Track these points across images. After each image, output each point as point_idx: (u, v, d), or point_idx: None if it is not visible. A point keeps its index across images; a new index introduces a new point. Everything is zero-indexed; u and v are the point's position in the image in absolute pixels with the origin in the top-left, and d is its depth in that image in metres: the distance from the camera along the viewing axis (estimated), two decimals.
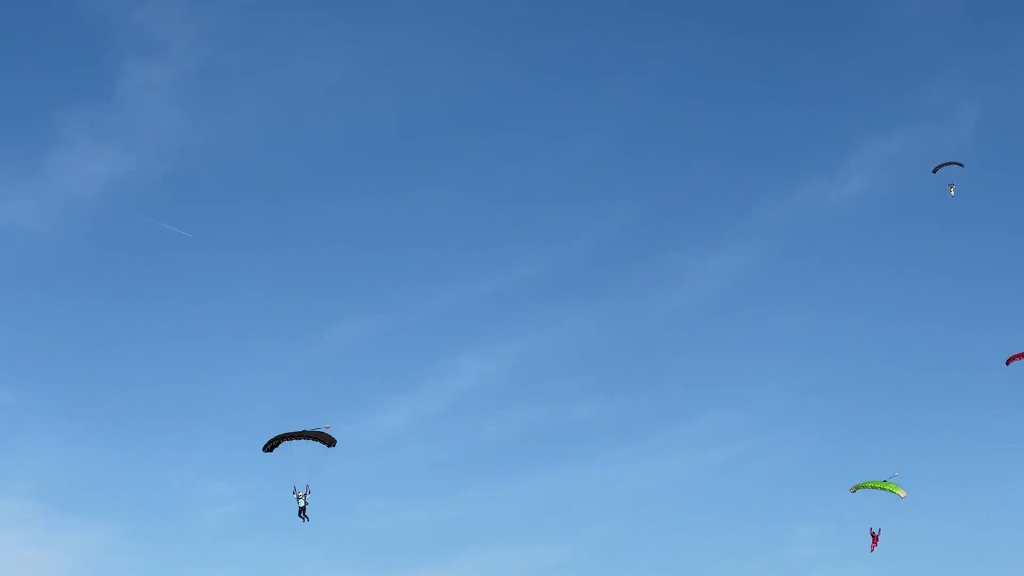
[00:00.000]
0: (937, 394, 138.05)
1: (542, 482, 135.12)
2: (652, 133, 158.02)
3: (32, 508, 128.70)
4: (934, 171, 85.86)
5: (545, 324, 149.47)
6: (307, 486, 56.53)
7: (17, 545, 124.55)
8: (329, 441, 53.86)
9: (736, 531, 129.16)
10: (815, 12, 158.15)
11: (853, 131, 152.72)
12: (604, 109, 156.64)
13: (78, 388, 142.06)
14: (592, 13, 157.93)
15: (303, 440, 53.64)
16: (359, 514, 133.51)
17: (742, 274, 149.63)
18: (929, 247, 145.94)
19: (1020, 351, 70.09)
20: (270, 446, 54.09)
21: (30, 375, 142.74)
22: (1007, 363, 71.03)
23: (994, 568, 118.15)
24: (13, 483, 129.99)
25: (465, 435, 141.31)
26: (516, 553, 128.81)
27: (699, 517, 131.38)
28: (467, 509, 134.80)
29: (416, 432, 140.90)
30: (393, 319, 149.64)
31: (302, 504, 56.49)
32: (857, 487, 72.40)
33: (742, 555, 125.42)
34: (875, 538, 72.23)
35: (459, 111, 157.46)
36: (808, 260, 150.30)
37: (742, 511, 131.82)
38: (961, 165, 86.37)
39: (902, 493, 70.59)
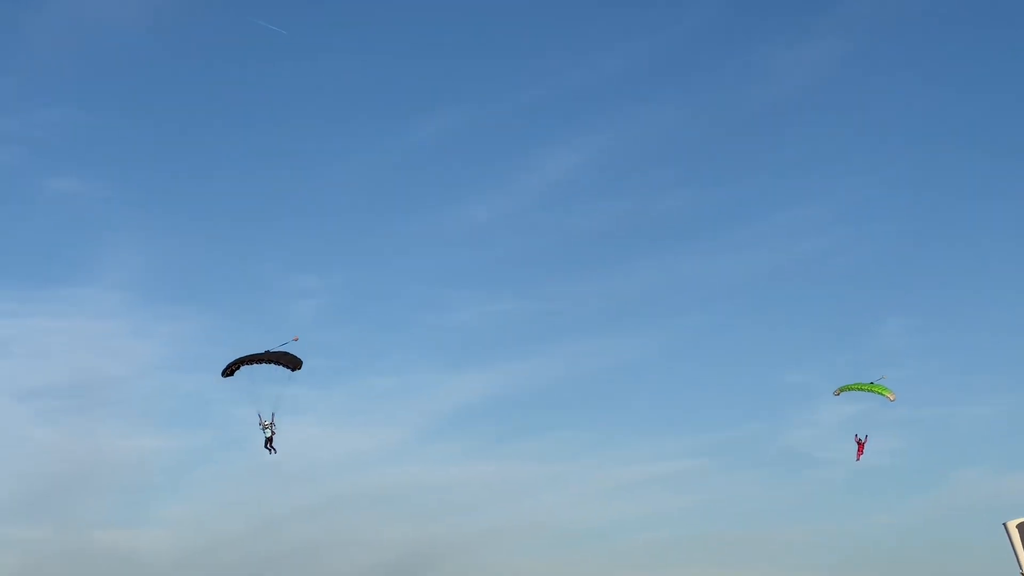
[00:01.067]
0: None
1: (629, 275, 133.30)
2: None
3: (128, 299, 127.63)
4: None
5: (633, 116, 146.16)
6: (272, 414, 51.15)
7: (113, 335, 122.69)
8: (294, 364, 48.79)
9: (825, 323, 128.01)
10: None
11: None
12: None
13: (172, 182, 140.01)
14: None
15: (265, 364, 48.48)
16: (447, 306, 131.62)
17: (831, 66, 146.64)
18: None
19: None
20: (229, 371, 49.03)
21: (126, 169, 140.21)
22: None
23: None
24: (110, 275, 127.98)
25: (553, 228, 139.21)
26: (604, 345, 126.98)
27: (788, 309, 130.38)
28: (555, 302, 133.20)
29: (504, 225, 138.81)
30: (481, 111, 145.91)
31: (268, 434, 51.20)
32: (841, 389, 69.24)
33: (830, 346, 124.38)
34: (861, 445, 68.96)
35: None
36: (900, 51, 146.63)
37: (831, 303, 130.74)
38: None
39: (891, 396, 67.48)
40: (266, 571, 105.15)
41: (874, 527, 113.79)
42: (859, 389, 68.44)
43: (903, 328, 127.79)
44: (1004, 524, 65.63)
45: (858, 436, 68.90)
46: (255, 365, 48.71)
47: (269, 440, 51.64)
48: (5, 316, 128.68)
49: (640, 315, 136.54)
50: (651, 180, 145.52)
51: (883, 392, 67.57)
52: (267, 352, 48.83)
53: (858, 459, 69.05)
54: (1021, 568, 64.72)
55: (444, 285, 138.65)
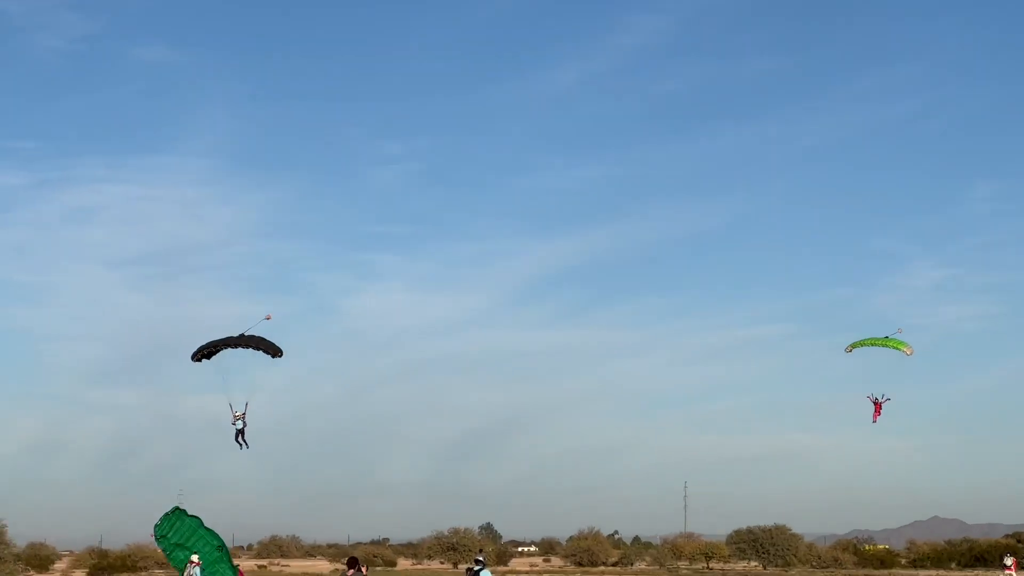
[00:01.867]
0: None
1: (716, 139, 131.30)
2: None
3: (215, 166, 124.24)
4: None
5: None
6: (246, 404, 43.18)
7: (201, 203, 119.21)
8: (274, 351, 41.32)
9: (912, 187, 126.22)
10: None
11: None
12: None
13: (259, 50, 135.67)
14: None
15: (242, 349, 40.96)
16: (531, 171, 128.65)
17: None
18: None
19: None
20: (198, 356, 41.48)
21: (213, 37, 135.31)
22: None
23: None
24: (197, 142, 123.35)
25: (639, 92, 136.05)
26: (690, 211, 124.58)
27: (875, 173, 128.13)
28: (641, 167, 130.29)
29: (588, 89, 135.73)
30: None
31: (239, 427, 43.49)
32: (853, 346, 63.81)
33: (918, 211, 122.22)
34: (878, 406, 63.51)
35: None
36: None
37: (917, 167, 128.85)
38: None
39: (908, 350, 62.15)
40: (353, 436, 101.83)
41: (962, 392, 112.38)
42: (873, 344, 63.28)
43: (991, 192, 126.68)
44: None
45: (873, 396, 63.67)
46: (229, 350, 41.15)
47: (240, 433, 44.05)
48: (95, 183, 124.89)
49: (726, 180, 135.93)
50: (738, 44, 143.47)
51: (899, 346, 62.42)
52: (242, 336, 41.29)
53: (874, 420, 63.87)
54: None
55: (529, 151, 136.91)
